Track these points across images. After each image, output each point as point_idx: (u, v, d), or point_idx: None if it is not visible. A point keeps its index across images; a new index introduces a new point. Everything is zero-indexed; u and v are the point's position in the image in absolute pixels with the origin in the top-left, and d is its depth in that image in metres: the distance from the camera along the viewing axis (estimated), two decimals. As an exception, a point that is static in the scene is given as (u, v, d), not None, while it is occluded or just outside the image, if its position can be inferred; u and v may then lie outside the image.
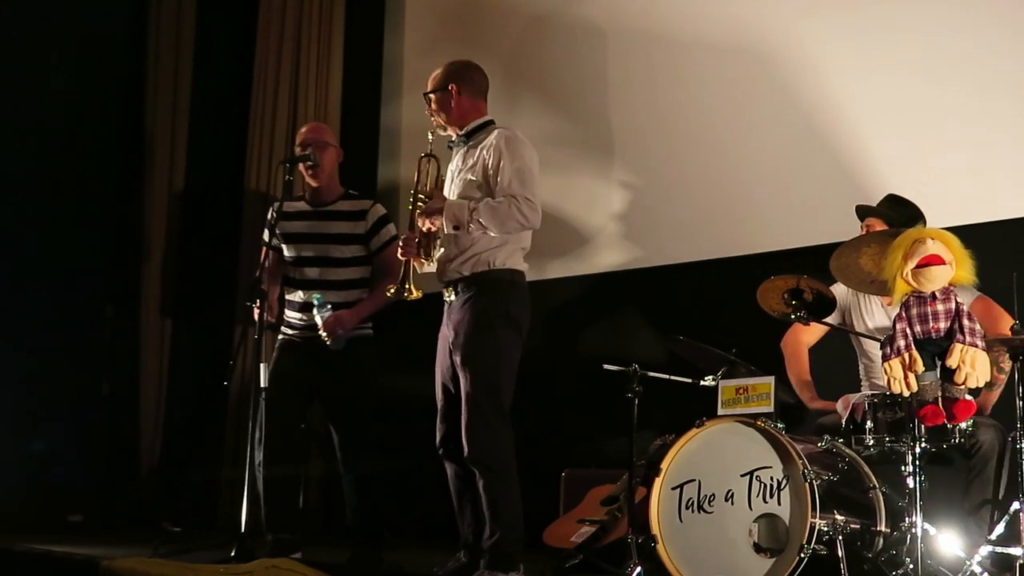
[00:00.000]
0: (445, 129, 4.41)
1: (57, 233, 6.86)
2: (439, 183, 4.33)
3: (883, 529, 3.76)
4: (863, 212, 4.45)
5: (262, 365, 4.76)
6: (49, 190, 6.88)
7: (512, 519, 4.08)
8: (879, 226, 4.32)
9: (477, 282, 4.18)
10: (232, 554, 4.49)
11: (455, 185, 4.30)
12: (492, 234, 4.13)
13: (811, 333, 4.59)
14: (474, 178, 4.21)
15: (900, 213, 4.28)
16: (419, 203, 4.25)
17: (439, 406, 4.34)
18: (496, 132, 4.27)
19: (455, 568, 4.22)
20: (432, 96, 4.41)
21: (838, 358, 4.64)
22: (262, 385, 4.72)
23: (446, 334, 4.28)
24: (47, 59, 6.94)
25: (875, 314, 4.38)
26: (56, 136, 6.96)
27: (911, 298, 3.54)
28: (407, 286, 4.24)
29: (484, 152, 4.22)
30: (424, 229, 4.20)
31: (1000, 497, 3.90)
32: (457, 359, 4.19)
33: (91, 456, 6.92)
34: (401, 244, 4.31)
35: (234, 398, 6.53)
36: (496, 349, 4.14)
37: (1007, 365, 3.85)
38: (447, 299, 4.29)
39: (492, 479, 4.08)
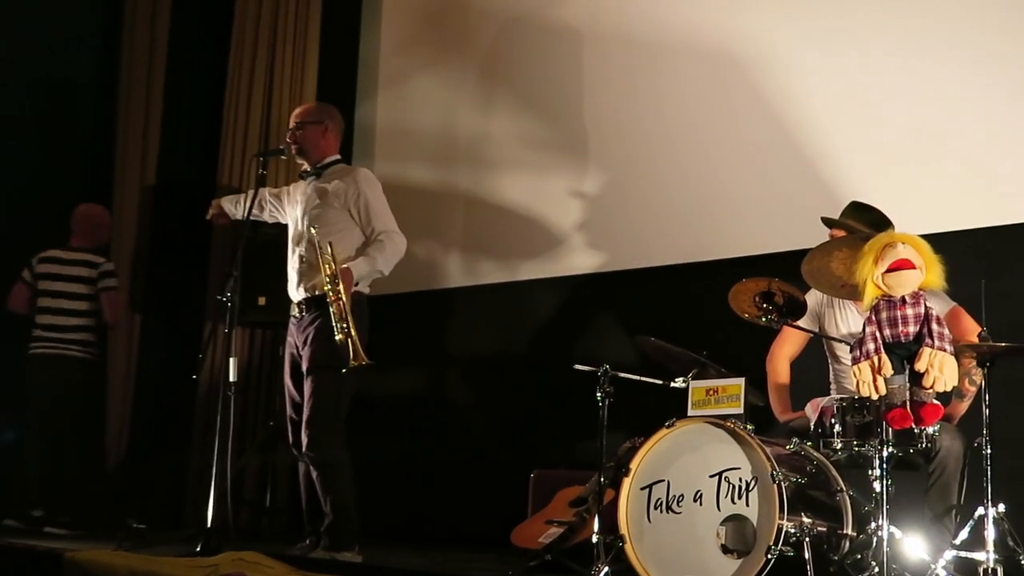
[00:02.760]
0: (303, 157, 5.00)
1: (26, 226, 6.78)
2: (334, 259, 4.67)
3: (850, 532, 3.78)
4: (829, 223, 4.47)
5: (231, 359, 4.75)
6: (18, 183, 6.81)
7: (344, 506, 4.63)
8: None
9: (322, 303, 4.67)
10: (198, 549, 4.47)
11: (309, 215, 4.85)
12: (385, 272, 4.81)
13: (792, 345, 4.60)
14: (328, 205, 4.81)
15: (864, 219, 4.30)
16: (333, 288, 4.60)
17: (289, 407, 4.86)
18: (352, 171, 4.94)
19: (303, 550, 4.72)
20: (303, 128, 5.01)
21: (808, 363, 4.66)
22: (231, 379, 4.72)
23: (295, 343, 4.84)
24: (16, 50, 6.87)
25: (849, 319, 4.39)
26: (26, 129, 6.90)
27: (881, 302, 3.56)
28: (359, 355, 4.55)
29: (343, 186, 4.83)
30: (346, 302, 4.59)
31: (962, 502, 3.93)
32: (304, 367, 4.73)
33: (56, 451, 6.83)
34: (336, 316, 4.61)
35: (203, 393, 6.49)
36: (336, 360, 4.53)
37: (978, 377, 3.87)
38: (294, 315, 4.86)
39: (325, 472, 4.66)
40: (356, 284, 4.71)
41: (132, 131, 7.23)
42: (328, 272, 4.59)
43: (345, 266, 4.65)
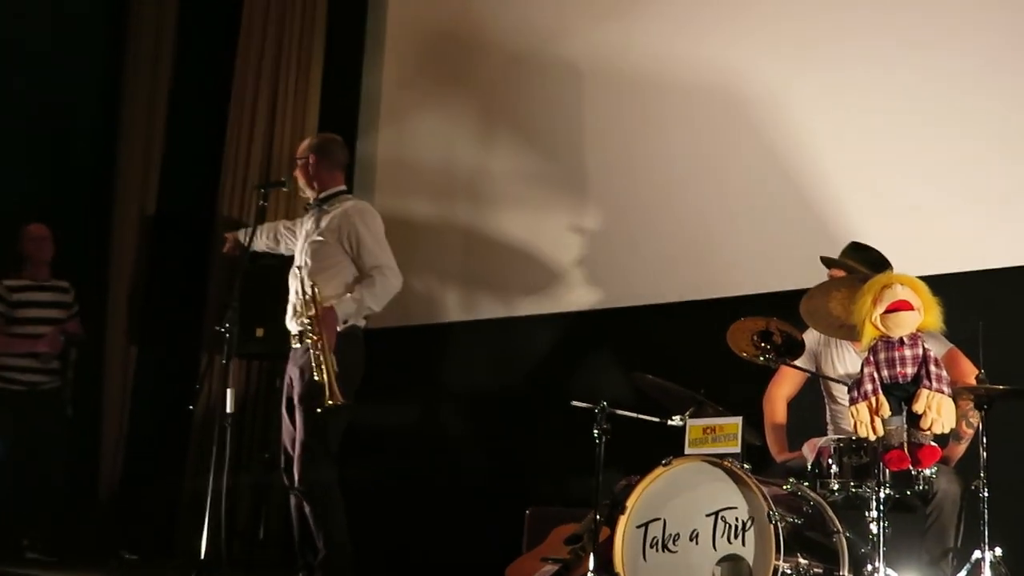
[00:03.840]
0: (305, 191, 5.06)
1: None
2: (316, 299, 4.65)
3: (846, 574, 3.74)
4: (828, 263, 4.48)
5: (228, 391, 4.75)
6: (18, 212, 6.81)
7: (339, 541, 4.63)
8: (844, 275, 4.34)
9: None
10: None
11: (308, 245, 4.89)
12: (376, 309, 4.82)
13: (789, 385, 4.59)
14: (322, 239, 4.83)
15: (863, 259, 4.31)
16: (312, 330, 4.62)
17: (287, 440, 4.85)
18: (351, 203, 4.95)
19: None
20: (301, 161, 5.06)
21: (805, 403, 4.65)
22: (228, 411, 4.71)
23: (291, 375, 4.85)
24: (17, 77, 6.89)
25: (846, 359, 4.39)
26: (25, 157, 6.92)
27: (879, 343, 3.57)
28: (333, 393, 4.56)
29: (337, 219, 4.84)
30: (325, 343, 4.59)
31: (959, 545, 3.91)
32: (295, 399, 4.75)
33: (50, 481, 6.81)
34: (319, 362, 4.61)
35: (198, 423, 6.47)
36: (317, 397, 4.53)
37: (975, 419, 3.87)
38: (294, 345, 4.85)
39: (316, 505, 4.65)
40: (346, 322, 4.69)
41: (133, 161, 7.25)
42: (308, 312, 4.59)
43: (329, 305, 4.64)
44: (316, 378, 4.51)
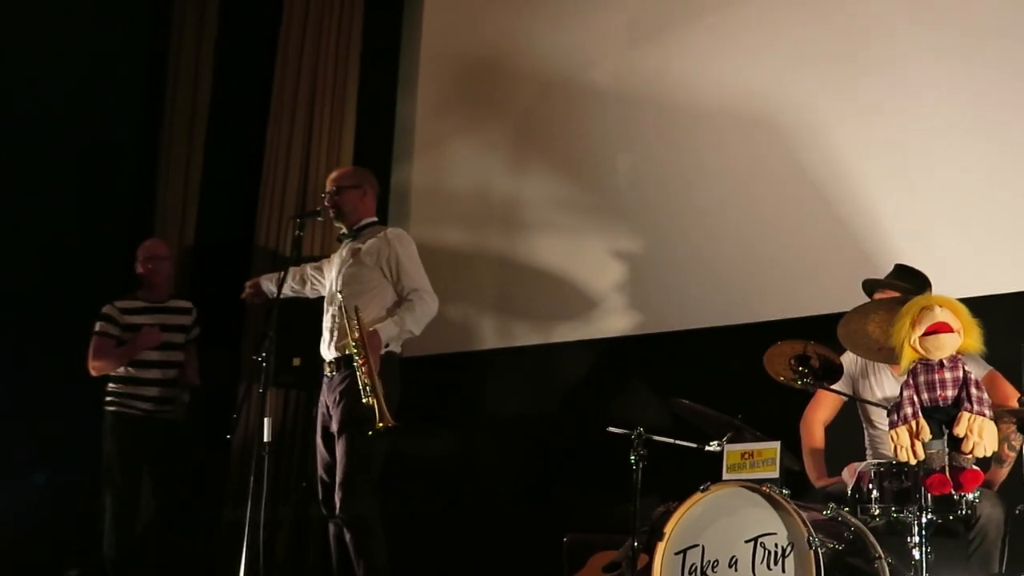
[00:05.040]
0: (339, 220, 5.09)
1: (66, 285, 6.86)
2: (361, 322, 4.71)
3: (888, 600, 3.71)
4: (871, 286, 4.44)
5: (266, 419, 4.76)
6: (58, 242, 6.89)
7: (378, 569, 4.64)
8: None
9: (351, 362, 4.70)
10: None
11: (343, 274, 4.92)
12: (416, 333, 4.85)
13: (826, 410, 4.56)
14: (362, 263, 4.89)
15: (910, 282, 4.28)
16: (359, 353, 4.63)
17: (321, 467, 4.88)
18: (385, 230, 5.01)
19: None
20: (342, 192, 5.08)
21: (843, 429, 4.61)
22: (265, 439, 4.72)
23: (326, 403, 4.87)
24: (58, 110, 6.99)
25: (884, 384, 4.36)
26: (67, 189, 7.00)
27: (919, 365, 3.53)
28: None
29: (376, 244, 4.90)
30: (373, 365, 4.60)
31: (1003, 570, 3.86)
32: (335, 428, 4.75)
33: (88, 509, 6.85)
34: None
35: (236, 453, 6.49)
36: (366, 421, 4.52)
37: (1017, 443, 3.83)
38: (326, 374, 4.89)
39: (358, 534, 4.67)
40: (387, 346, 4.72)
41: (171, 193, 7.32)
42: (355, 336, 4.61)
43: (372, 329, 4.67)
44: (364, 401, 4.51)
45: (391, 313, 4.79)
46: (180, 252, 7.26)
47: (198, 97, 7.47)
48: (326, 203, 5.11)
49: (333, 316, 4.89)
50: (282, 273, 5.15)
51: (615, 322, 5.92)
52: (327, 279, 5.12)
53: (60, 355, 6.57)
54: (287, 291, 5.22)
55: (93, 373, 5.92)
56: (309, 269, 5.29)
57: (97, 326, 5.96)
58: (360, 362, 4.57)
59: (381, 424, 4.46)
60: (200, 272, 7.31)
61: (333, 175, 5.23)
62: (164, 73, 7.52)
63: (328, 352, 4.87)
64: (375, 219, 5.15)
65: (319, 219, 5.33)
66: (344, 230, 5.09)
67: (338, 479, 4.68)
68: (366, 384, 4.53)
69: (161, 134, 7.43)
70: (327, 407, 4.84)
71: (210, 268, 7.29)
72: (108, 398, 5.95)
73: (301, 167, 7.00)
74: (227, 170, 7.46)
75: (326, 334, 4.91)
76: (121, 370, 5.93)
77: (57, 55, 6.98)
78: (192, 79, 7.47)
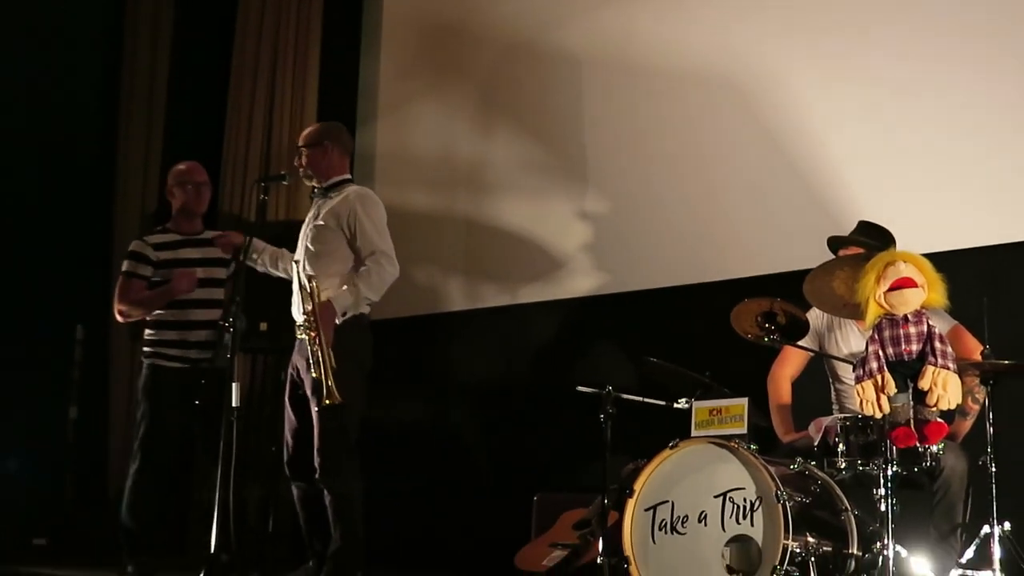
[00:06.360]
0: (311, 179, 4.93)
1: (26, 254, 6.80)
2: (314, 293, 4.62)
3: (855, 552, 3.76)
4: (836, 243, 4.47)
5: (234, 385, 4.73)
6: (20, 213, 6.82)
7: (353, 532, 4.60)
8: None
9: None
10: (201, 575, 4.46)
11: (309, 231, 4.83)
12: (375, 299, 4.75)
13: (792, 366, 4.59)
14: (323, 223, 4.77)
15: (875, 239, 4.30)
16: (310, 326, 4.56)
17: (289, 432, 4.82)
18: (352, 190, 4.85)
19: (306, 572, 4.77)
20: (304, 150, 4.93)
21: (810, 384, 4.66)
22: (234, 405, 4.70)
23: (296, 365, 4.78)
24: (16, 76, 6.90)
25: (850, 339, 4.39)
26: (26, 156, 6.92)
27: (884, 320, 3.57)
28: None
29: (339, 205, 4.78)
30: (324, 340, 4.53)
31: (967, 520, 3.92)
32: (307, 391, 4.65)
33: (57, 480, 6.83)
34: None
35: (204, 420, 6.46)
36: (342, 384, 4.47)
37: (981, 395, 3.87)
38: (299, 336, 4.73)
39: (338, 498, 4.61)
40: (344, 315, 4.67)
41: (132, 158, 7.24)
42: (306, 307, 4.57)
43: (327, 300, 4.63)
44: (314, 375, 4.49)
45: (347, 281, 4.72)
46: (142, 219, 7.20)
47: (157, 63, 7.37)
48: (296, 163, 4.98)
49: (297, 279, 4.84)
50: (248, 239, 5.03)
51: (582, 282, 5.93)
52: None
53: (20, 335, 6.53)
54: (260, 267, 5.13)
55: (120, 319, 5.32)
56: (285, 251, 5.15)
57: (124, 265, 5.28)
58: (311, 335, 4.52)
59: (328, 401, 4.43)
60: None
61: (310, 130, 5.09)
62: (121, 39, 7.41)
63: (299, 314, 4.81)
64: (347, 176, 4.99)
65: (284, 183, 5.25)
66: (315, 188, 4.96)
67: (316, 444, 4.63)
68: (317, 358, 4.49)
69: (120, 101, 7.34)
70: (297, 369, 4.80)
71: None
72: (146, 349, 5.28)
73: (264, 131, 6.95)
74: (189, 136, 7.38)
75: (295, 296, 4.86)
76: (161, 313, 5.22)
77: (13, 26, 6.87)
78: (151, 44, 7.37)
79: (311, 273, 4.68)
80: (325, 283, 4.66)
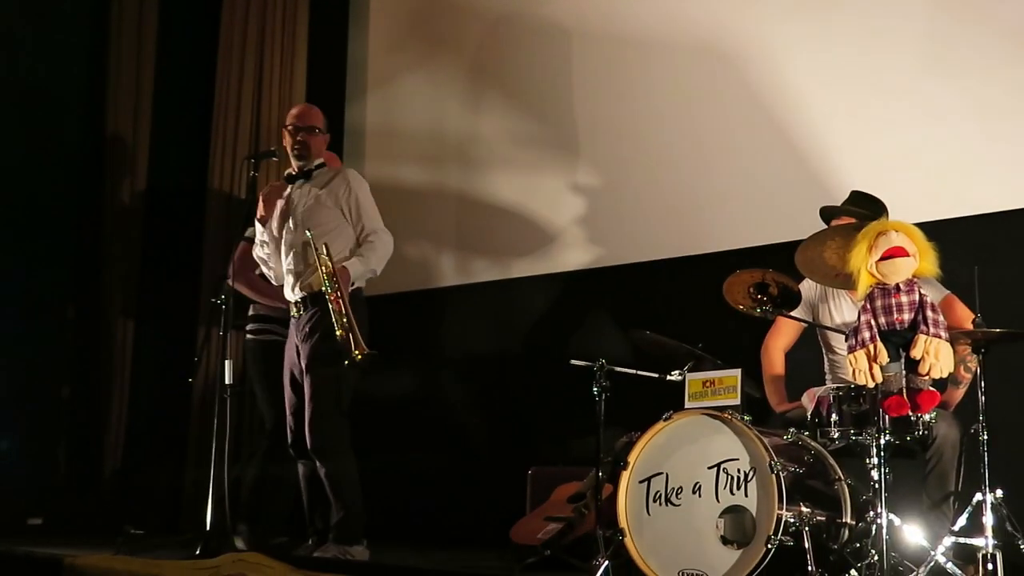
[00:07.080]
0: (301, 160, 4.93)
1: (16, 233, 6.78)
2: (331, 258, 4.64)
3: (849, 521, 3.78)
4: (828, 213, 4.47)
5: (227, 362, 4.74)
6: (8, 190, 6.79)
7: (354, 500, 4.65)
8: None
9: (319, 300, 4.64)
10: (197, 552, 4.46)
11: (303, 214, 4.82)
12: (377, 271, 4.82)
13: (785, 337, 4.60)
14: (320, 204, 4.80)
15: (867, 208, 4.30)
16: (332, 286, 4.57)
17: (288, 409, 4.81)
18: (342, 171, 4.95)
19: (309, 547, 4.79)
20: (317, 129, 4.96)
21: (802, 355, 4.67)
22: (227, 382, 4.71)
23: (295, 343, 4.79)
24: (3, 58, 6.86)
25: (843, 309, 4.40)
26: (15, 135, 6.89)
27: (875, 290, 3.57)
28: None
29: (335, 184, 4.84)
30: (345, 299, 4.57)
31: (960, 488, 3.94)
32: (304, 363, 4.71)
33: (52, 459, 6.84)
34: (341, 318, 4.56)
35: (198, 396, 6.47)
36: (336, 356, 4.50)
37: (973, 364, 3.87)
38: (294, 315, 4.80)
39: (334, 468, 4.65)
40: (353, 284, 4.70)
41: (121, 137, 7.21)
42: (326, 271, 4.57)
43: (342, 266, 4.64)
44: (339, 334, 4.47)
45: (353, 253, 4.76)
46: (131, 197, 7.18)
47: (144, 38, 7.32)
48: (298, 138, 4.92)
49: (296, 257, 4.81)
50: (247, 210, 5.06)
51: (574, 256, 5.93)
52: (268, 227, 4.99)
53: (11, 315, 6.52)
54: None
55: (231, 282, 5.06)
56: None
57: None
58: (332, 296, 4.53)
59: (357, 352, 4.43)
60: (153, 216, 7.22)
61: (296, 111, 5.05)
62: (109, 14, 7.36)
63: (293, 294, 4.80)
64: (323, 161, 5.04)
65: (274, 159, 5.24)
66: (293, 171, 4.96)
67: (307, 415, 4.66)
68: (341, 318, 4.49)
69: (108, 77, 7.29)
70: (296, 348, 4.80)
71: (163, 212, 7.20)
72: (251, 326, 5.32)
73: (253, 107, 6.92)
74: (177, 112, 7.35)
75: (288, 278, 4.83)
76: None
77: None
78: (137, 19, 7.32)
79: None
80: (335, 258, 4.66)
